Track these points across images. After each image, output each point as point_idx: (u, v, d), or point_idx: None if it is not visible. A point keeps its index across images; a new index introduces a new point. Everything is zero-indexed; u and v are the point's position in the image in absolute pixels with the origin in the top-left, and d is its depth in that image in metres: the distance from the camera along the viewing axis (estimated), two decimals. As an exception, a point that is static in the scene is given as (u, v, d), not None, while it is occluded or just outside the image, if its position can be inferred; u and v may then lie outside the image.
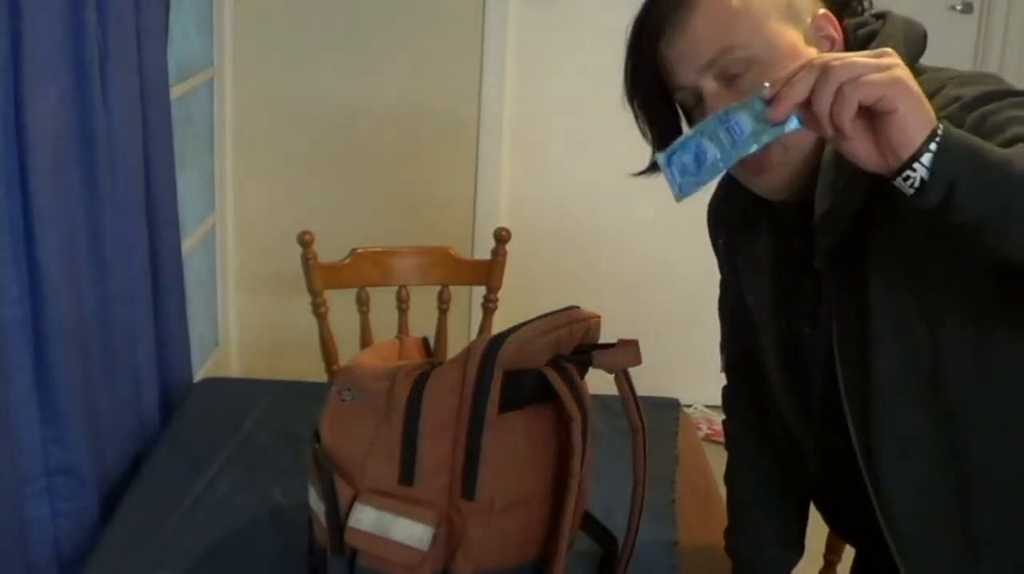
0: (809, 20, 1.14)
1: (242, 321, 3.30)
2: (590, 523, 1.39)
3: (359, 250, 2.23)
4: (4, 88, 1.44)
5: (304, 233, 2.15)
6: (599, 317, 1.28)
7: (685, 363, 3.31)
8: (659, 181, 1.10)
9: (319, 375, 2.21)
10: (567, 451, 1.20)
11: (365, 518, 1.19)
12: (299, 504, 1.37)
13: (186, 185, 2.62)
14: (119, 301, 1.78)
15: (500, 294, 2.29)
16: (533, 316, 1.23)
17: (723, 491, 1.69)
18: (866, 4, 1.21)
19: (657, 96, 1.18)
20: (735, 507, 1.47)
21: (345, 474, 1.22)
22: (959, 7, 3.08)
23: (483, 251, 2.44)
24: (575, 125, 3.21)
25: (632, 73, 1.19)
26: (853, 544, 1.44)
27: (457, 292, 2.30)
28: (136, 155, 1.84)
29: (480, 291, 2.31)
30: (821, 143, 1.11)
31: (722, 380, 1.50)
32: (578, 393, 1.21)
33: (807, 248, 1.14)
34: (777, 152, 1.10)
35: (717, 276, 1.41)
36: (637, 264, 3.29)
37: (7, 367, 1.48)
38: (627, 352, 1.23)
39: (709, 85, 1.12)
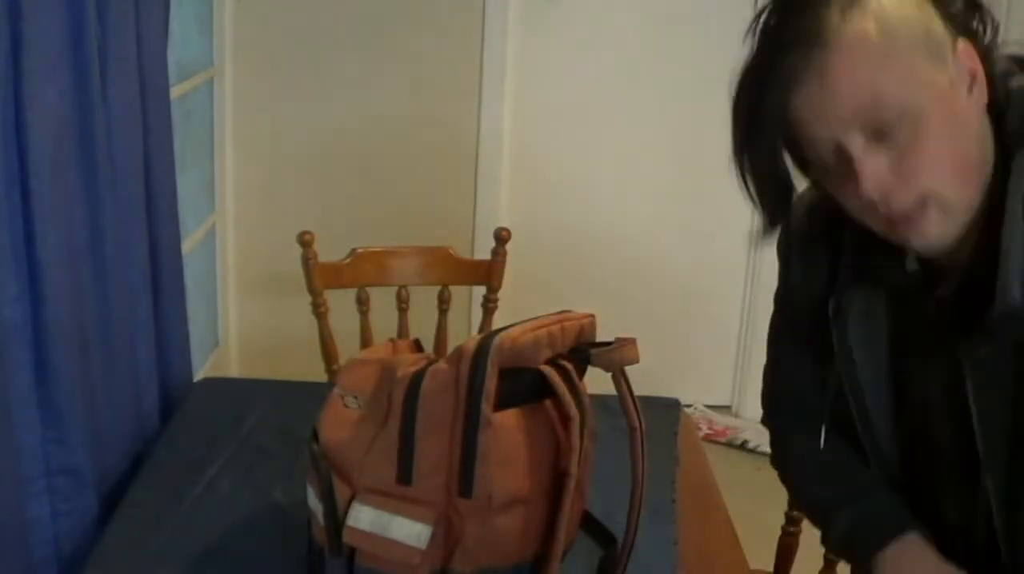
0: (950, 55, 1.01)
1: (242, 321, 3.30)
2: (590, 523, 1.39)
3: (359, 250, 2.23)
4: (4, 88, 1.44)
5: (304, 233, 2.15)
6: (592, 316, 1.28)
7: (685, 363, 3.32)
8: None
9: (319, 375, 2.21)
10: (565, 450, 1.21)
11: (363, 517, 1.19)
12: (299, 504, 1.37)
13: (186, 185, 2.62)
14: (119, 301, 1.78)
15: (500, 294, 2.29)
16: (533, 316, 1.24)
17: (723, 491, 1.69)
18: (987, 24, 1.05)
19: (776, 156, 1.04)
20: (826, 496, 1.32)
21: (343, 474, 1.22)
22: (959, 7, 3.08)
23: (483, 251, 2.44)
24: (574, 126, 3.22)
25: (748, 129, 1.04)
26: None
27: (457, 292, 2.30)
28: (136, 155, 1.84)
29: (480, 291, 2.31)
30: (993, 198, 1.02)
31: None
32: (577, 391, 1.21)
33: (941, 316, 1.07)
34: (935, 212, 1.01)
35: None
36: (638, 264, 3.29)
37: (7, 367, 1.48)
38: (625, 350, 1.23)
39: (856, 141, 0.99)
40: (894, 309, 1.17)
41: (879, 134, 0.99)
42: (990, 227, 1.03)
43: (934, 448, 1.19)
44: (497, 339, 1.17)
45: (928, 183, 1.01)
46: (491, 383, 1.16)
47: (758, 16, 1.03)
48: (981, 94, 1.03)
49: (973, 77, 1.02)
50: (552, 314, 1.26)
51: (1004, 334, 1.02)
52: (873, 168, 1.00)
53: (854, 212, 1.07)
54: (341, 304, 2.24)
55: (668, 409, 1.87)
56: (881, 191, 1.01)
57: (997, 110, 1.05)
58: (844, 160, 1.02)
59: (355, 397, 1.27)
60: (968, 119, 1.02)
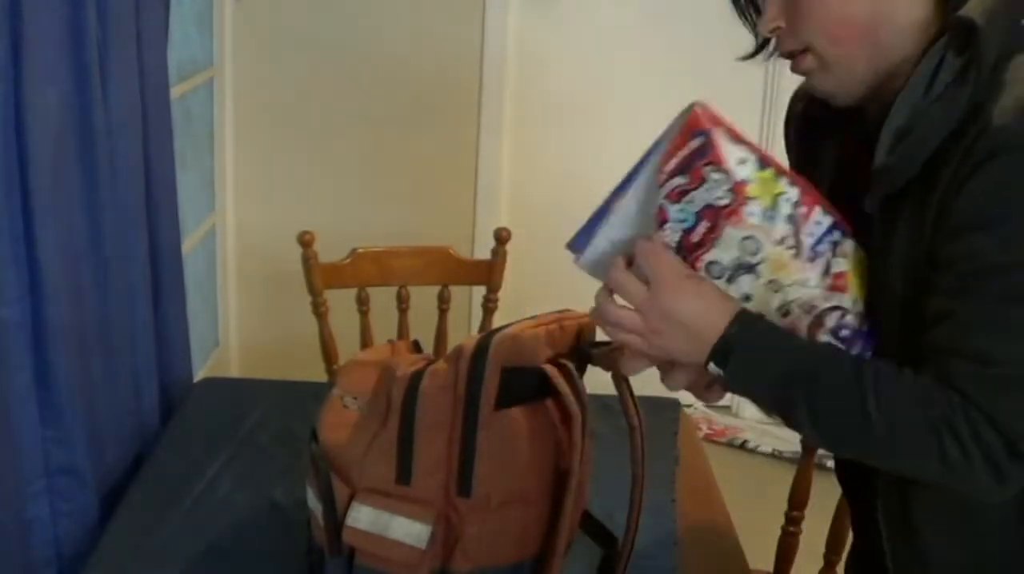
0: None
1: (242, 321, 3.30)
2: (590, 522, 1.39)
3: (359, 250, 2.23)
4: (4, 88, 1.44)
5: (304, 233, 2.15)
6: (591, 316, 1.28)
7: (685, 363, 3.31)
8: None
9: (319, 375, 2.21)
10: (565, 448, 1.20)
11: (363, 517, 1.19)
12: (298, 504, 1.37)
13: (186, 185, 2.62)
14: (119, 301, 1.78)
15: (500, 294, 2.29)
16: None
17: (723, 491, 1.69)
18: None
19: None
20: None
21: (342, 474, 1.22)
22: (959, 7, 3.07)
23: (483, 251, 2.44)
24: (576, 125, 3.21)
25: None
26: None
27: (457, 292, 2.30)
28: (136, 155, 1.84)
29: (480, 291, 2.31)
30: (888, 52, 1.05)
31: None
32: (578, 391, 1.21)
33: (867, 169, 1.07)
34: (813, 64, 1.08)
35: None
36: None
37: (7, 367, 1.48)
38: (626, 351, 1.22)
39: None
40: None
41: None
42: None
43: None
44: (496, 338, 1.17)
45: (807, 34, 1.07)
46: (491, 382, 1.16)
47: None
48: None
49: None
50: (552, 313, 1.26)
51: (877, 190, 1.05)
52: (772, 6, 1.08)
53: None
54: (341, 304, 2.24)
55: (668, 409, 1.87)
56: (774, 31, 1.09)
57: None
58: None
59: (354, 398, 1.27)
60: None
